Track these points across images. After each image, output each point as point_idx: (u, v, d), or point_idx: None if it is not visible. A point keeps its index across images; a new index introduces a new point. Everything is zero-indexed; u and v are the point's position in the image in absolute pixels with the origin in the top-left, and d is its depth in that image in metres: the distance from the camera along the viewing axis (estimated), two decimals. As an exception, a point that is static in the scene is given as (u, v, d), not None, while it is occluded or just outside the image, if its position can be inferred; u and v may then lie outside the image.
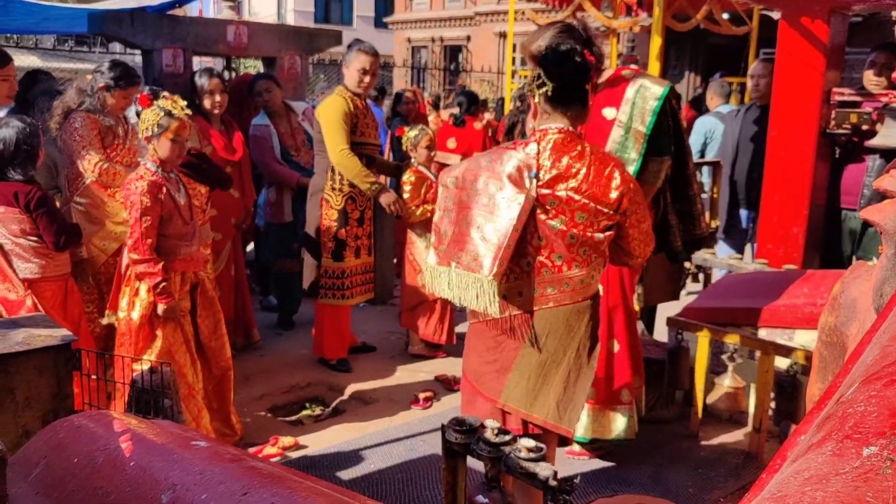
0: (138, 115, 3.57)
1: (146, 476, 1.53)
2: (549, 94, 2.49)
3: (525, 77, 17.59)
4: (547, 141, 2.49)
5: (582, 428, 3.39)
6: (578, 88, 2.51)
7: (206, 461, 1.50)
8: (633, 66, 3.53)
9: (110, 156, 4.03)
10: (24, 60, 14.53)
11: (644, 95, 3.15)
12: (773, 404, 3.55)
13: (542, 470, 2.17)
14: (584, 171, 2.46)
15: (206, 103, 4.72)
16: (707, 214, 6.08)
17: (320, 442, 3.78)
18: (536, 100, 2.53)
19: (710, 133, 6.51)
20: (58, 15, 5.95)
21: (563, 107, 2.50)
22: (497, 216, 2.46)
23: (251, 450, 3.55)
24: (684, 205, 3.49)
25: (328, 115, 4.34)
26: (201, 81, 4.72)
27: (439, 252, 2.59)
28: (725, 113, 6.72)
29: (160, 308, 3.32)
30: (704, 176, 5.97)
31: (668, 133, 3.22)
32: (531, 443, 2.22)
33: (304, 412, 4.13)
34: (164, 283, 3.29)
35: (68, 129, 3.95)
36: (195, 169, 4.02)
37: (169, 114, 3.33)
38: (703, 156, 6.58)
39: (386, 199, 4.48)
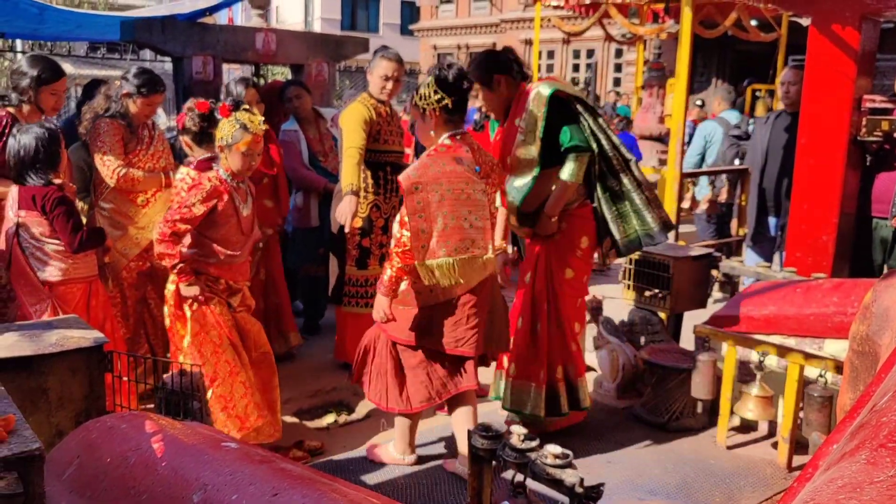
0: (209, 122, 3.83)
1: (178, 476, 1.56)
2: (450, 106, 3.17)
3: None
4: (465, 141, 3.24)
5: (502, 398, 3.79)
6: (465, 101, 3.26)
7: (237, 462, 1.53)
8: (550, 76, 4.06)
9: (132, 161, 4.09)
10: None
11: (536, 102, 3.47)
12: (802, 414, 3.51)
13: (569, 477, 2.17)
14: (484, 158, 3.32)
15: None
16: (735, 222, 6.05)
17: (345, 446, 3.80)
18: (436, 112, 3.17)
19: (709, 137, 6.49)
20: (91, 22, 6.07)
21: (460, 115, 3.24)
22: (478, 206, 3.11)
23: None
24: (618, 201, 3.65)
25: (347, 121, 4.35)
26: (237, 91, 4.74)
27: (421, 249, 3.07)
28: (731, 119, 6.69)
29: (183, 289, 3.37)
30: (704, 182, 5.95)
31: (574, 132, 3.46)
32: (557, 449, 2.22)
33: (330, 417, 4.15)
34: (181, 265, 3.34)
35: (93, 135, 4.05)
36: None
37: (244, 127, 3.36)
38: (703, 161, 6.54)
39: (341, 206, 4.19)
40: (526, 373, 3.66)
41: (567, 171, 3.46)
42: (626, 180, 3.63)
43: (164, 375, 2.86)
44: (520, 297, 3.75)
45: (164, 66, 9.13)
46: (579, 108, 3.55)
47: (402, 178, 3.12)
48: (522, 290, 3.73)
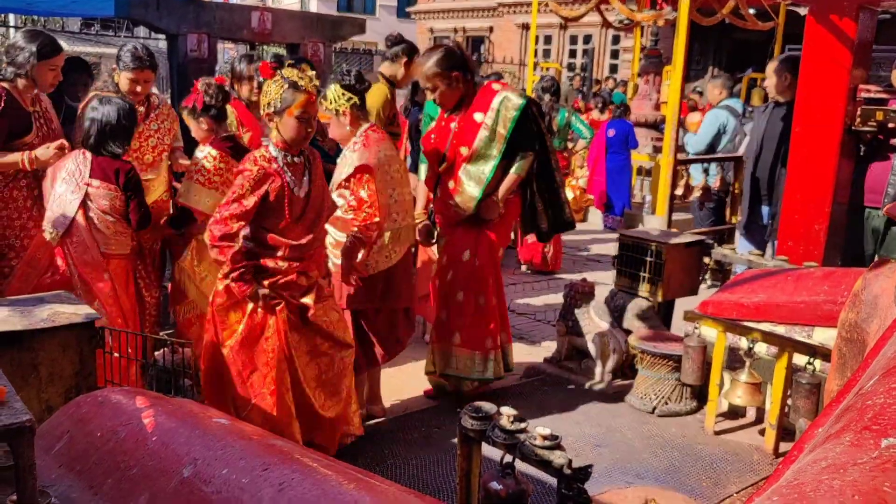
0: (260, 86, 3.65)
1: (168, 450, 1.56)
2: (357, 103, 3.56)
3: (547, 69, 17.51)
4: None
5: (447, 367, 4.08)
6: (365, 98, 3.67)
7: (227, 437, 1.53)
8: (502, 81, 4.58)
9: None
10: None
11: (507, 105, 3.86)
12: (790, 401, 3.53)
13: (557, 458, 2.19)
14: None
15: (245, 90, 4.66)
16: (728, 210, 6.07)
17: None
18: (349, 110, 3.54)
19: (723, 126, 6.47)
20: (85, -2, 6.01)
21: (364, 110, 3.70)
22: (401, 183, 3.73)
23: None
24: (551, 194, 4.13)
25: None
26: (241, 67, 4.66)
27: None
28: (737, 107, 6.68)
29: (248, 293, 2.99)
30: (709, 171, 5.95)
31: (531, 135, 3.94)
32: (546, 430, 2.23)
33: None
34: (236, 272, 2.93)
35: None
36: (238, 152, 4.02)
37: (294, 86, 2.90)
38: (713, 150, 6.54)
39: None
40: (473, 342, 4.03)
41: (519, 167, 3.94)
42: (557, 178, 4.13)
43: (156, 353, 2.86)
44: (459, 272, 4.04)
45: (159, 44, 9.05)
46: (534, 111, 3.99)
47: (368, 160, 3.50)
48: (460, 266, 4.05)
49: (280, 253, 3.03)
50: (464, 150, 3.95)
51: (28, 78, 3.78)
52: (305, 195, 3.05)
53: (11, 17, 10.51)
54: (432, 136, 4.09)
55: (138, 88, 4.12)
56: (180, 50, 6.00)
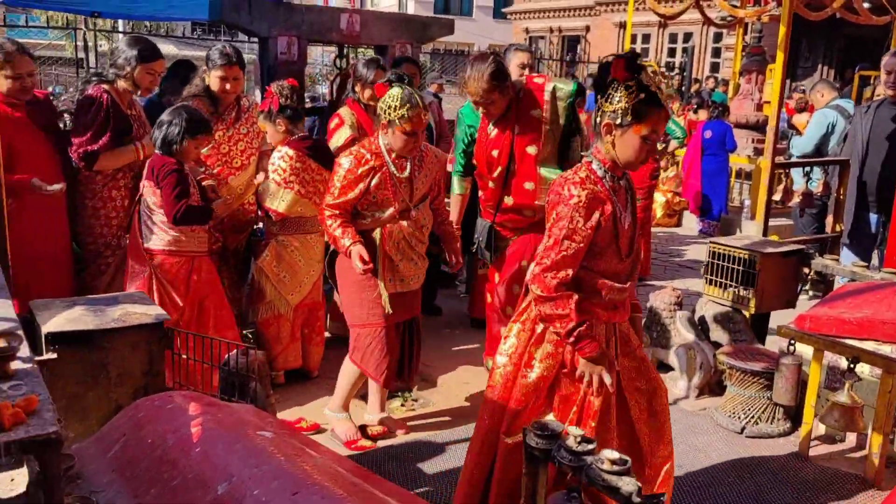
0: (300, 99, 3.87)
1: (208, 463, 1.52)
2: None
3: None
4: None
5: None
6: None
7: (265, 453, 1.48)
8: (541, 74, 4.66)
9: (213, 140, 4.12)
10: (161, 48, 15.40)
11: (559, 95, 3.89)
12: (894, 428, 3.25)
13: (626, 485, 2.05)
14: None
15: (367, 93, 4.61)
16: (830, 217, 5.68)
17: (410, 430, 3.76)
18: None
19: (831, 126, 6.07)
20: (181, 3, 6.19)
21: None
22: None
23: (343, 438, 3.57)
24: None
25: None
26: (365, 72, 4.63)
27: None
28: (848, 107, 6.25)
29: (581, 363, 2.45)
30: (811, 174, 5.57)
31: (578, 118, 3.99)
32: (615, 454, 2.10)
33: (396, 403, 4.11)
34: (580, 328, 2.39)
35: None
36: (317, 152, 4.05)
37: (654, 99, 2.35)
38: (820, 152, 6.14)
39: None
40: None
41: (576, 152, 3.90)
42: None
43: (228, 354, 2.86)
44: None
45: (254, 46, 9.26)
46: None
47: None
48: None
49: (598, 300, 2.49)
50: (531, 150, 3.91)
51: (128, 80, 3.91)
52: (630, 226, 2.52)
53: (120, 23, 10.99)
54: (487, 146, 3.99)
55: (227, 86, 4.17)
56: (271, 52, 6.08)
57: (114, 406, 2.55)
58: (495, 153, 3.95)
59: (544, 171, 3.92)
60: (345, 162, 3.39)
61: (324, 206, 3.44)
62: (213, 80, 4.15)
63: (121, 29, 11.00)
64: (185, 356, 2.68)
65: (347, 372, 3.65)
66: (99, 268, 4.05)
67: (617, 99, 2.35)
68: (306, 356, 4.29)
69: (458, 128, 4.27)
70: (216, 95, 4.17)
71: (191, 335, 2.73)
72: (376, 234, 3.44)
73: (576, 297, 2.40)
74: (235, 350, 2.70)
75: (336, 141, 4.44)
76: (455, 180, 4.26)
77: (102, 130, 3.84)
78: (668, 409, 2.67)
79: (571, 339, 2.40)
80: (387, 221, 3.43)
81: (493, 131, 3.97)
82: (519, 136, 3.91)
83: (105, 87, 3.91)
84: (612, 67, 2.36)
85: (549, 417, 2.40)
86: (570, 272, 2.38)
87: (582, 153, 2.69)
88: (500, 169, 3.94)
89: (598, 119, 2.42)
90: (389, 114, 3.28)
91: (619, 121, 2.36)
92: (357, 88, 4.68)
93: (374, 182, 3.37)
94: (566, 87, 3.95)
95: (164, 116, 3.63)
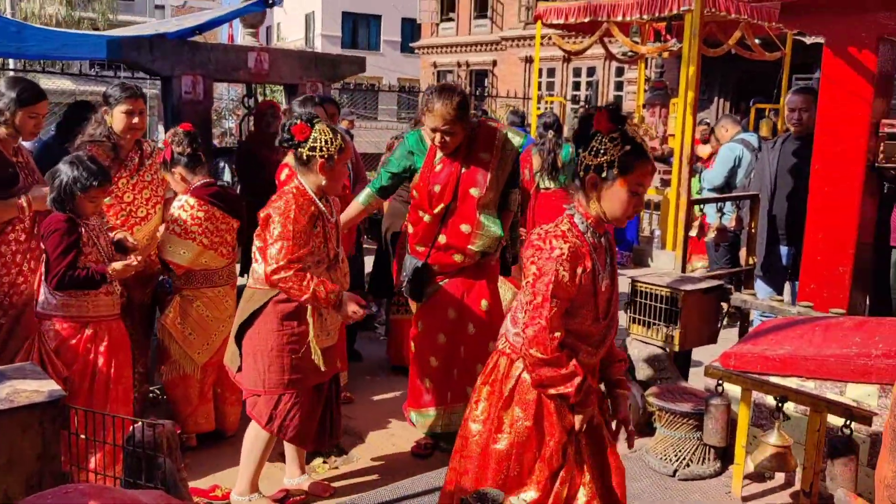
0: (198, 144, 3.71)
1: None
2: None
3: (551, 103, 17.40)
4: None
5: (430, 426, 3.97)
6: None
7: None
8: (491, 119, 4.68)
9: (114, 189, 3.84)
10: (57, 84, 14.63)
11: (509, 146, 3.87)
12: (825, 466, 3.25)
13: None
14: None
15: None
16: (744, 250, 5.81)
17: (335, 491, 3.55)
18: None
19: (738, 160, 6.25)
20: (77, 41, 5.88)
21: None
22: None
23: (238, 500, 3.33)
24: (512, 229, 4.15)
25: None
26: (301, 111, 4.42)
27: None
28: (752, 141, 6.46)
29: (578, 420, 2.36)
30: (723, 209, 5.71)
31: (518, 171, 4.04)
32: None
33: (318, 461, 3.89)
34: (586, 384, 2.29)
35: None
36: (223, 199, 3.84)
37: (638, 152, 2.31)
38: (728, 185, 6.30)
39: None
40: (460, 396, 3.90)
41: (511, 202, 3.99)
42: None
43: (132, 427, 2.60)
44: (478, 322, 3.92)
45: (157, 82, 8.92)
46: None
47: None
48: (477, 316, 3.91)
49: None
50: (474, 192, 3.80)
51: (9, 126, 3.59)
52: (608, 287, 2.42)
53: (11, 60, 10.42)
54: (430, 179, 3.83)
55: (135, 120, 3.90)
56: (175, 92, 5.82)
57: (2, 497, 2.27)
58: (437, 188, 3.78)
59: (483, 217, 3.82)
60: (284, 210, 3.06)
61: (277, 268, 3.01)
62: (118, 117, 3.87)
63: (11, 66, 10.42)
64: (83, 437, 2.41)
65: (254, 447, 3.33)
66: None
67: (602, 151, 2.26)
68: (220, 416, 4.03)
69: (397, 150, 4.01)
70: (117, 141, 3.90)
71: (89, 412, 2.46)
72: None
73: (573, 358, 2.28)
74: (140, 424, 2.46)
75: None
76: (365, 191, 4.01)
77: None
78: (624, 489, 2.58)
79: (581, 398, 2.28)
80: (319, 273, 3.20)
81: (438, 165, 3.82)
82: (465, 175, 3.78)
83: None
84: (594, 120, 2.29)
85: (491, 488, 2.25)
86: (561, 333, 2.27)
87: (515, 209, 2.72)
88: (441, 206, 3.78)
89: (581, 173, 2.33)
90: (328, 149, 3.11)
91: (604, 174, 2.27)
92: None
93: (315, 231, 3.16)
94: (516, 139, 3.92)
95: (59, 167, 3.35)
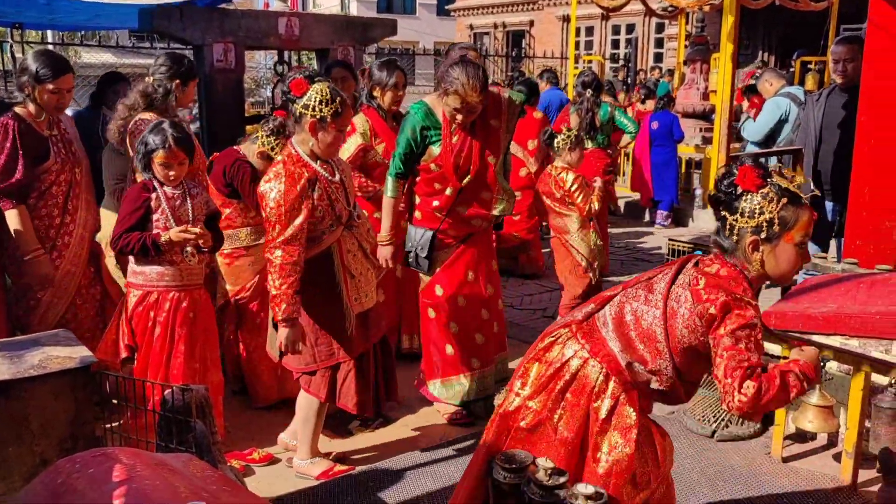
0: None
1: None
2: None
3: (589, 62, 17.13)
4: None
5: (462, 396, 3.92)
6: None
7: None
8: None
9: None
10: (97, 58, 14.74)
11: (513, 108, 3.84)
12: (869, 425, 3.17)
13: (603, 521, 1.89)
14: None
15: (388, 98, 4.35)
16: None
17: (368, 455, 3.56)
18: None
19: (784, 114, 6.03)
20: (108, 12, 5.88)
21: None
22: None
23: (304, 465, 3.33)
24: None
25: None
26: (382, 74, 4.35)
27: None
28: (799, 94, 6.23)
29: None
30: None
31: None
32: (589, 489, 1.94)
33: (356, 423, 3.91)
34: (810, 375, 2.14)
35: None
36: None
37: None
38: (773, 140, 6.09)
39: None
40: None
41: (510, 163, 4.14)
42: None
43: (165, 392, 2.63)
44: (494, 282, 4.03)
45: (189, 53, 8.94)
46: None
47: None
48: (493, 276, 4.03)
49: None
50: (492, 159, 3.78)
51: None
52: None
53: (49, 33, 10.51)
54: (452, 151, 3.72)
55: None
56: (206, 60, 5.82)
57: (38, 460, 2.32)
58: (459, 161, 3.72)
59: (501, 181, 3.88)
60: (273, 187, 3.00)
61: (270, 250, 3.00)
62: (181, 92, 3.90)
63: (50, 40, 10.50)
64: (115, 401, 2.44)
65: (309, 414, 3.30)
66: (28, 303, 3.74)
67: (758, 212, 2.12)
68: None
69: (406, 127, 3.80)
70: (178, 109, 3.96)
71: (121, 378, 2.49)
72: (333, 249, 3.16)
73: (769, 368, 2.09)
74: (171, 389, 2.48)
75: (344, 151, 3.96)
76: (390, 182, 3.83)
77: (13, 162, 3.50)
78: None
79: (814, 374, 2.13)
80: (338, 235, 3.17)
81: (455, 137, 3.72)
82: (481, 143, 3.73)
83: (17, 109, 3.60)
84: (739, 178, 2.14)
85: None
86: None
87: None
88: (468, 178, 3.73)
89: (735, 237, 2.18)
90: (320, 110, 3.00)
91: (764, 234, 2.13)
92: (376, 94, 4.37)
93: (316, 195, 3.08)
94: (518, 97, 3.93)
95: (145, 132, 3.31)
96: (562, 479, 2.01)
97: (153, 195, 3.25)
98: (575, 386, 2.24)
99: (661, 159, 8.87)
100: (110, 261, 4.08)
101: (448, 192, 3.77)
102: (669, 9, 12.51)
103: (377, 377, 3.38)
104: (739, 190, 2.14)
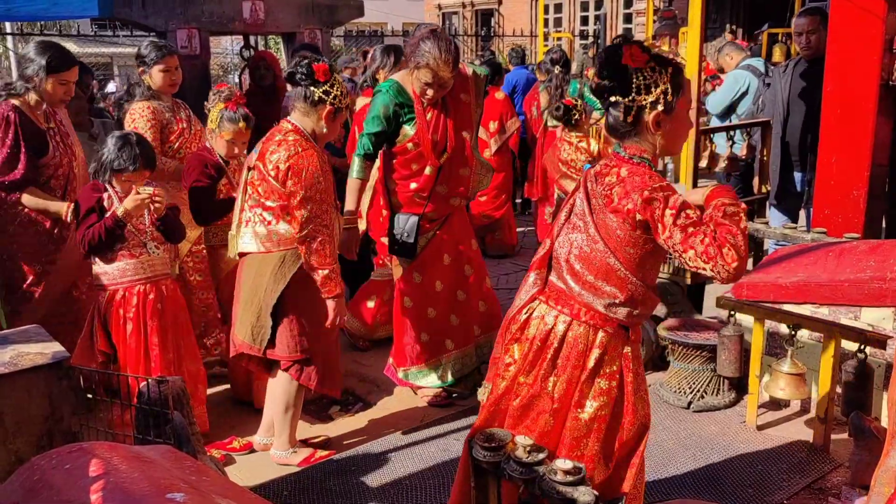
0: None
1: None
2: None
3: (559, 39, 17.12)
4: None
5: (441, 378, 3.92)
6: None
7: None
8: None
9: (167, 150, 3.92)
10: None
11: (479, 81, 3.83)
12: (839, 390, 3.23)
13: (582, 495, 1.92)
14: None
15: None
16: (756, 178, 5.71)
17: (348, 440, 3.57)
18: None
19: (744, 87, 6.06)
20: (67, 0, 5.75)
21: None
22: None
23: (285, 455, 3.32)
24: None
25: None
26: (386, 59, 4.60)
27: None
28: (759, 66, 6.26)
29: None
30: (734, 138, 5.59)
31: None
32: (568, 464, 1.96)
33: (335, 409, 3.91)
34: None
35: (128, 122, 3.88)
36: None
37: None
38: (733, 111, 6.12)
39: None
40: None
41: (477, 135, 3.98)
42: None
43: (141, 385, 2.61)
44: (475, 261, 4.00)
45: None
46: None
47: None
48: (473, 255, 3.99)
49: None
50: (466, 134, 3.76)
51: (37, 92, 3.55)
52: None
53: (7, 24, 10.28)
54: (428, 129, 3.65)
55: (174, 78, 4.00)
56: (170, 47, 5.73)
57: (14, 458, 2.29)
58: (436, 137, 3.65)
59: (477, 156, 3.87)
60: (306, 160, 3.01)
61: (312, 230, 3.02)
62: (157, 76, 3.93)
63: (8, 30, 10.27)
64: (90, 396, 2.42)
65: (287, 403, 3.26)
66: (24, 294, 3.70)
67: (654, 85, 2.10)
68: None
69: (377, 105, 3.65)
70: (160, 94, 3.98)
71: (96, 373, 2.46)
72: None
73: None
74: (146, 381, 2.46)
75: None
76: (357, 162, 3.70)
77: (16, 154, 3.48)
78: None
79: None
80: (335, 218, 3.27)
81: (429, 114, 3.66)
82: (455, 120, 3.70)
83: (15, 101, 3.54)
84: (626, 57, 2.09)
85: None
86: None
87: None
88: (445, 154, 3.68)
89: (631, 117, 2.13)
90: (340, 101, 3.12)
91: (663, 106, 2.11)
92: (379, 77, 4.49)
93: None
94: (482, 71, 3.92)
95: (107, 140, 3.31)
96: (541, 456, 2.03)
97: (105, 195, 3.24)
98: (565, 350, 2.24)
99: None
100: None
101: (427, 171, 3.69)
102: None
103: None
104: (630, 69, 2.11)
